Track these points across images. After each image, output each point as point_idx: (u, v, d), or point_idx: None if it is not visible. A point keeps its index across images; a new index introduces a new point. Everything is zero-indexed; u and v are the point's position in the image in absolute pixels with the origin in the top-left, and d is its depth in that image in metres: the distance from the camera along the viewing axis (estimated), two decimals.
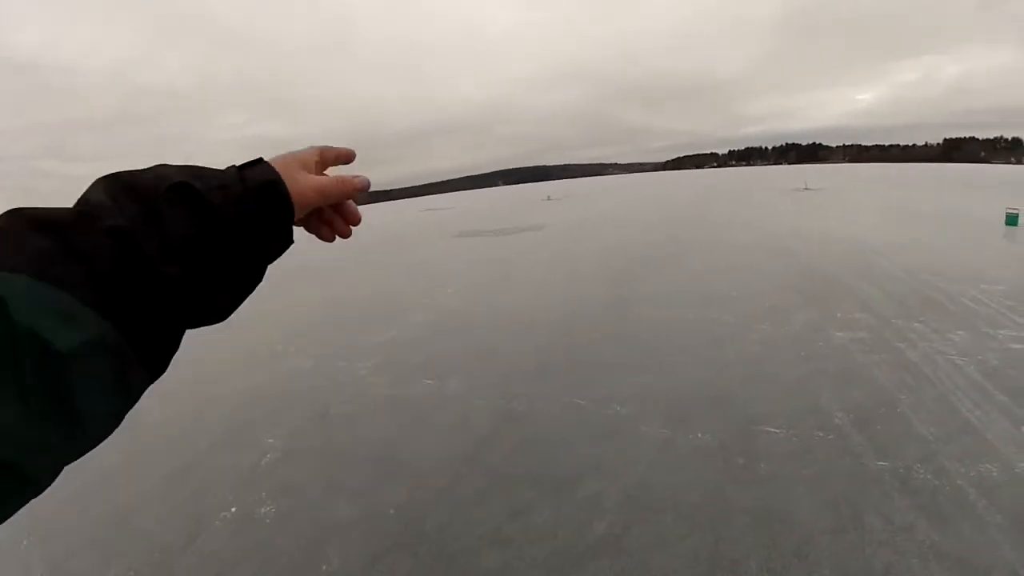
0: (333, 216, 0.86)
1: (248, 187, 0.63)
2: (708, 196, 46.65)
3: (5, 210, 0.50)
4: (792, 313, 11.52)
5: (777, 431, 6.81)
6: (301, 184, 0.71)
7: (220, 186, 0.62)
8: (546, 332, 11.63)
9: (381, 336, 12.44)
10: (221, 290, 0.63)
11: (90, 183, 0.57)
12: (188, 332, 0.64)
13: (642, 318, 12.24)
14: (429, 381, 9.09)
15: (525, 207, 56.37)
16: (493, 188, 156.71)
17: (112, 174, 0.58)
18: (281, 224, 0.68)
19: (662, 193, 57.30)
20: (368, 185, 0.85)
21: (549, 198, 63.93)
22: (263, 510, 5.86)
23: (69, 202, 0.56)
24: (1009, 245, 16.63)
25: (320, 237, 0.88)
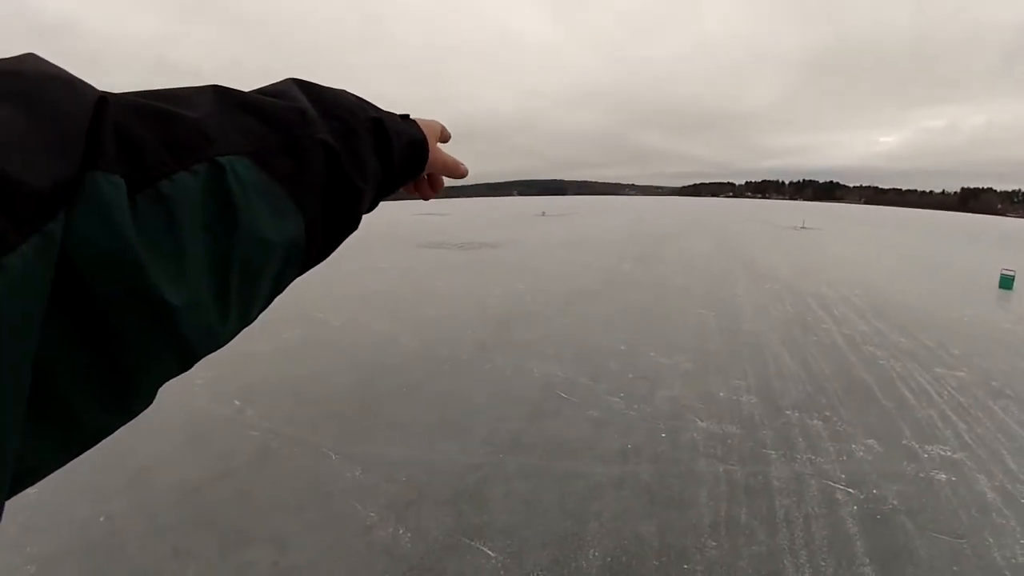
0: (429, 181, 0.93)
1: (405, 140, 0.73)
2: (699, 226, 44.08)
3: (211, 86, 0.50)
4: (657, 389, 9.39)
5: None
6: (435, 153, 0.84)
7: (398, 132, 0.71)
8: (370, 370, 10.24)
9: (241, 348, 10.61)
10: (354, 224, 0.71)
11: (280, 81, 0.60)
12: None
13: (485, 371, 10.34)
14: (237, 403, 8.76)
15: (515, 221, 55.38)
16: (507, 197, 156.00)
17: (308, 83, 0.62)
18: (411, 178, 0.81)
19: (658, 218, 55.21)
20: (467, 173, 0.98)
21: (544, 214, 62.83)
22: None
23: None
24: (993, 315, 13.71)
25: (420, 195, 0.96)
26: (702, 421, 7.94)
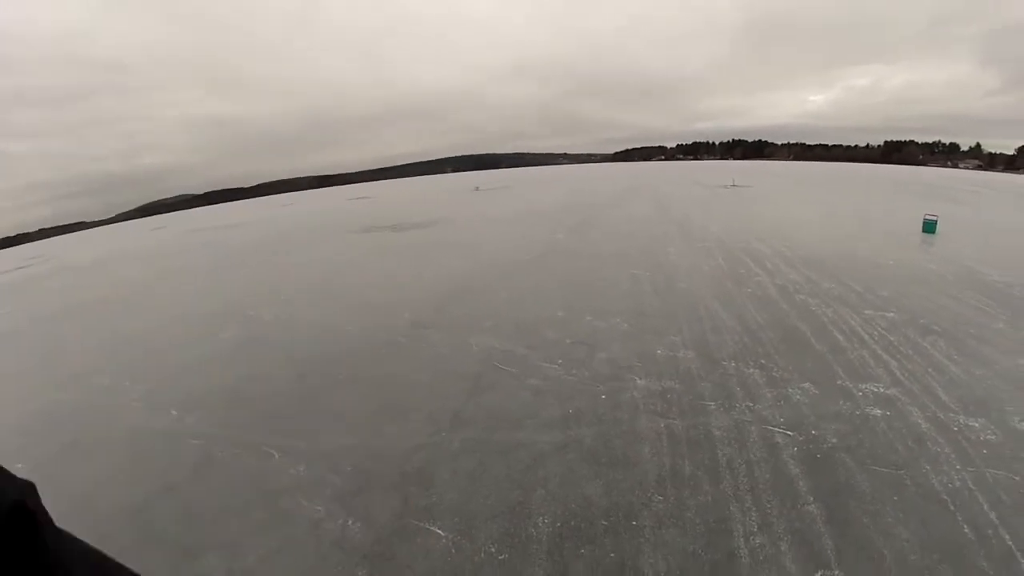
0: None
1: None
2: (631, 191, 44.17)
3: None
4: (595, 352, 9.38)
5: None
6: None
7: None
8: (308, 363, 10.14)
9: (175, 357, 11.65)
10: None
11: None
12: None
13: (423, 351, 10.23)
14: (175, 413, 8.58)
15: (448, 198, 54.46)
16: (440, 175, 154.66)
17: None
18: None
19: (592, 185, 54.88)
20: None
21: (478, 188, 62.03)
22: None
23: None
24: (918, 257, 14.10)
25: None
26: (641, 379, 7.90)
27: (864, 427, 6.19)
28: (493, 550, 4.80)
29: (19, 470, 2.29)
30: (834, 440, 5.97)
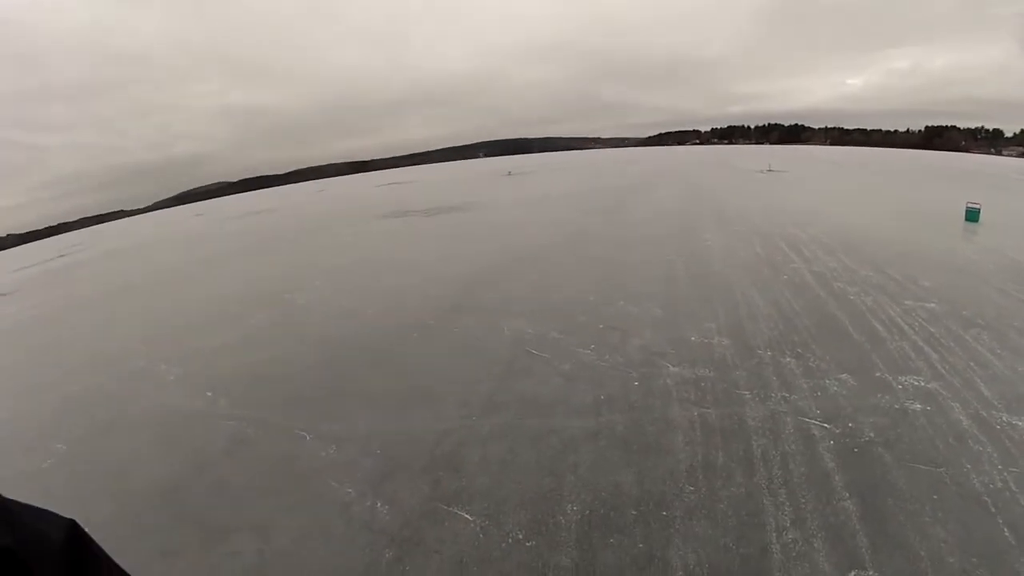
0: None
1: None
2: (665, 175, 43.64)
3: None
4: (628, 338, 9.32)
5: None
6: None
7: None
8: (340, 347, 10.30)
9: (211, 341, 11.83)
10: None
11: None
12: None
13: (454, 335, 10.31)
14: (209, 394, 8.87)
15: (481, 182, 54.73)
16: (473, 160, 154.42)
17: None
18: None
19: (625, 170, 54.26)
20: None
21: (510, 173, 61.92)
22: None
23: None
24: (961, 247, 13.72)
25: None
26: (674, 366, 7.81)
27: (903, 422, 6.04)
28: (521, 536, 4.78)
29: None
30: (872, 434, 5.83)
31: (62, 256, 44.66)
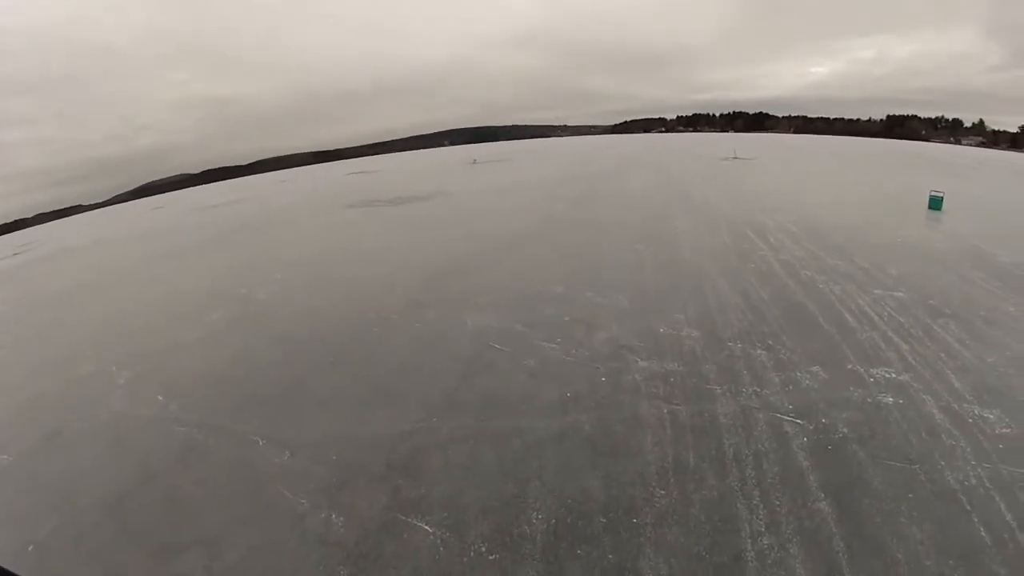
0: None
1: None
2: (633, 162, 43.44)
3: None
4: (594, 331, 9.05)
5: None
6: None
7: None
8: (298, 344, 9.97)
9: (165, 339, 11.45)
10: None
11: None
12: None
13: (416, 330, 9.94)
14: (161, 399, 8.51)
15: (446, 171, 53.84)
16: (439, 148, 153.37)
17: None
18: None
19: (592, 157, 54.02)
20: None
21: (475, 161, 61.28)
22: None
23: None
24: (926, 235, 13.79)
25: None
26: (643, 361, 7.61)
27: (876, 417, 5.91)
28: (484, 549, 4.55)
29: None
30: (845, 430, 5.69)
31: (16, 255, 43.25)
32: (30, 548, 5.32)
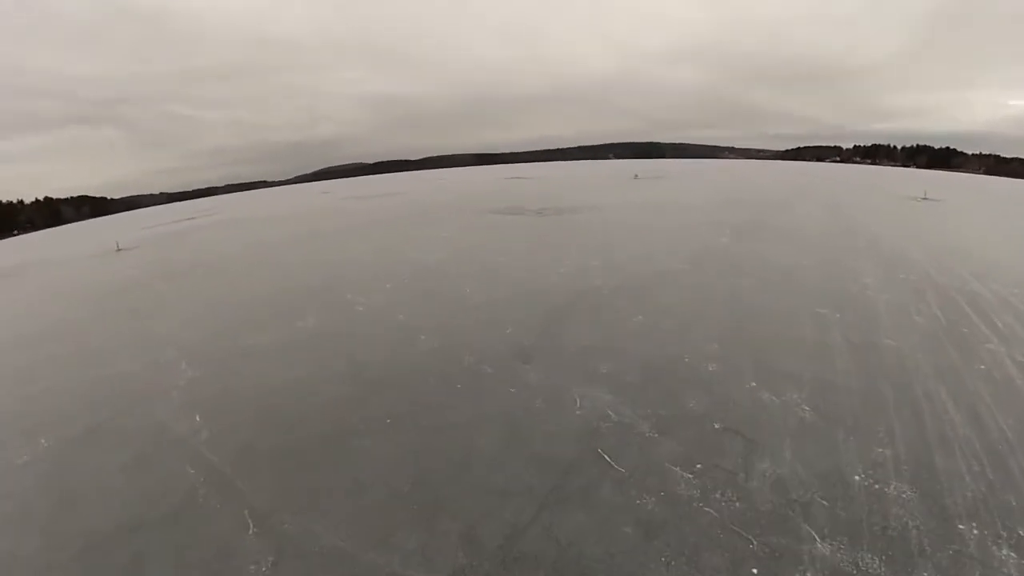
0: None
1: None
2: (806, 193, 38.99)
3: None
4: (754, 458, 6.26)
5: None
6: None
7: None
8: (360, 384, 8.64)
9: (242, 341, 11.21)
10: None
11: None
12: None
13: (507, 398, 7.90)
14: (198, 419, 7.80)
15: (604, 184, 51.22)
16: (603, 161, 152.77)
17: None
18: None
19: (759, 183, 49.53)
20: None
21: (637, 176, 58.86)
22: None
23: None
24: None
25: None
26: (821, 540, 4.78)
27: None
28: None
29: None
30: None
31: (190, 219, 47.11)
32: None
